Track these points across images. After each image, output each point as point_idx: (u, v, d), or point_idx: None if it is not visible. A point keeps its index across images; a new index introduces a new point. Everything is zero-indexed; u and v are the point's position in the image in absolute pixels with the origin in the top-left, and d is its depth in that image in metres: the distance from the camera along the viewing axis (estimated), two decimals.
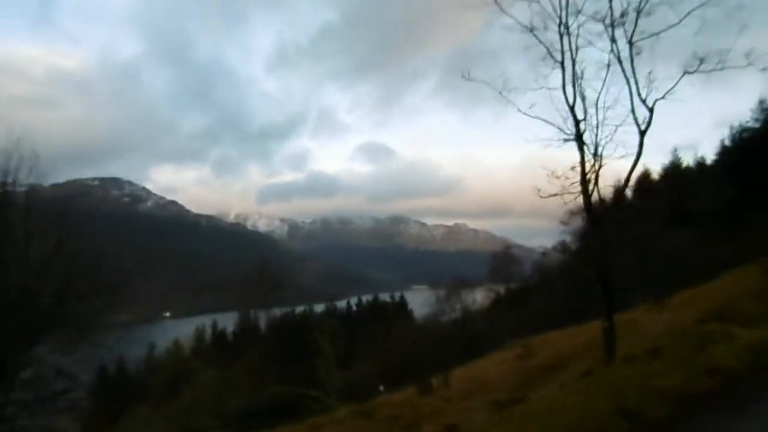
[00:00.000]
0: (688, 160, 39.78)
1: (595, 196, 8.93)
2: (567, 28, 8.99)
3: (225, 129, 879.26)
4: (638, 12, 8.46)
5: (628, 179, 9.36)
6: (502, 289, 55.67)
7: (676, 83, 8.51)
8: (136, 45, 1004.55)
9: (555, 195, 8.97)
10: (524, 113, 9.22)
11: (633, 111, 8.66)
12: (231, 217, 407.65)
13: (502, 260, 53.65)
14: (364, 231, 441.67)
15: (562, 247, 44.75)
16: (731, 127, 34.80)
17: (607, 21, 8.66)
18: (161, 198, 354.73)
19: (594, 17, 8.78)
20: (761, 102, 31.31)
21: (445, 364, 24.67)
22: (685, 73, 8.47)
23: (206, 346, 54.99)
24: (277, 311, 59.97)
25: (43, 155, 13.19)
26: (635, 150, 8.82)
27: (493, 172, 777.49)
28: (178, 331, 59.82)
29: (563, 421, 4.59)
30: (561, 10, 9.02)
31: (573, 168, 8.83)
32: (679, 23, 8.40)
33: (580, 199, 9.19)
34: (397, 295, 79.46)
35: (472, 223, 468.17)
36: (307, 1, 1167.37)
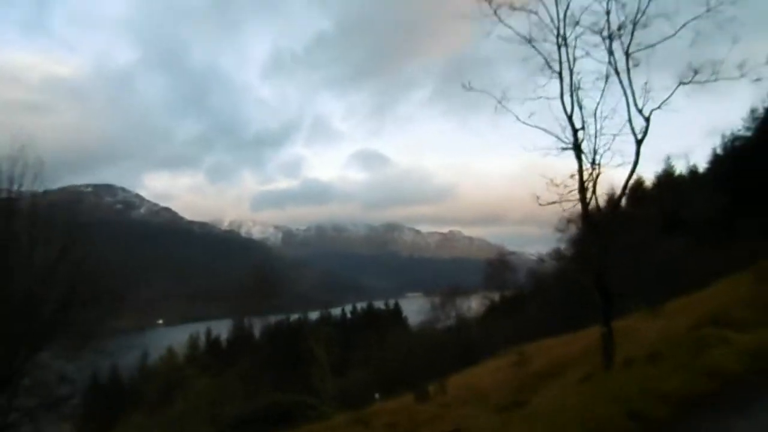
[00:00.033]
0: (680, 168, 40.15)
1: (593, 204, 9.09)
2: (565, 39, 9.20)
3: (219, 136, 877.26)
4: (634, 24, 8.70)
5: (625, 187, 9.53)
6: (496, 296, 55.76)
7: (672, 93, 8.72)
8: (131, 52, 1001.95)
9: (554, 203, 9.12)
10: (523, 122, 9.38)
11: (630, 120, 8.87)
12: (225, 224, 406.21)
13: (497, 268, 53.75)
14: (359, 238, 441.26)
15: (557, 255, 44.95)
16: (723, 136, 35.17)
17: (605, 33, 8.87)
18: (155, 205, 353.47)
19: (591, 29, 8.99)
20: (752, 111, 31.67)
21: (440, 371, 24.70)
22: (681, 83, 8.68)
23: (200, 354, 54.62)
24: (272, 318, 59.76)
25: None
26: (632, 158, 9.02)
27: (488, 179, 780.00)
28: (172, 338, 59.38)
29: (570, 421, 4.68)
30: (559, 21, 9.23)
31: (572, 176, 8.97)
32: (674, 35, 8.63)
33: (578, 207, 9.37)
34: (391, 302, 79.41)
35: (466, 231, 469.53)
36: (301, 9, 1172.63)
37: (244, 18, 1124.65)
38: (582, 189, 8.95)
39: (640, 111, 8.78)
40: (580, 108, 9.12)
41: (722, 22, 8.30)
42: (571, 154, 9.31)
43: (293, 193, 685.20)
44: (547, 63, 9.38)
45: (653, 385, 5.37)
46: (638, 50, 8.75)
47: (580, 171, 9.04)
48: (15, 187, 12.52)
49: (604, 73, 8.98)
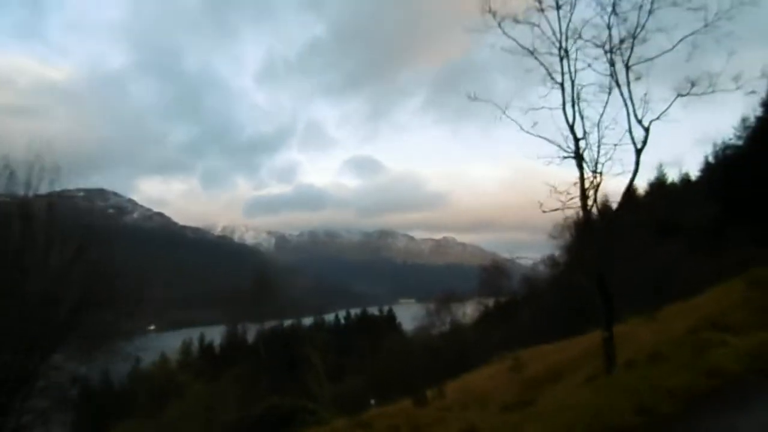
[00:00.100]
0: (673, 176, 40.68)
1: (593, 211, 9.37)
2: (566, 51, 9.51)
3: (213, 141, 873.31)
4: (634, 38, 9.03)
5: (625, 195, 9.82)
6: (490, 302, 55.95)
7: (670, 105, 9.04)
8: (124, 57, 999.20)
9: (557, 210, 9.39)
10: (527, 132, 9.66)
11: (630, 131, 9.15)
12: (218, 230, 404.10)
13: (491, 274, 53.98)
14: (352, 244, 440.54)
15: (551, 261, 45.33)
16: (714, 145, 35.66)
17: (606, 47, 9.19)
18: (147, 210, 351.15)
19: (593, 42, 9.31)
20: (744, 120, 32.14)
21: (436, 377, 24.80)
22: (678, 95, 9.00)
23: (193, 359, 54.44)
24: (265, 324, 59.60)
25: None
26: (631, 167, 9.32)
27: (481, 186, 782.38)
28: (164, 343, 58.96)
29: (582, 416, 4.89)
30: (561, 34, 9.55)
31: (575, 184, 9.25)
32: (672, 49, 8.96)
33: (577, 213, 9.65)
34: (385, 308, 79.50)
35: (460, 237, 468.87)
36: (296, 16, 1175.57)
37: (239, 23, 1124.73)
38: (584, 196, 9.23)
39: (639, 121, 9.09)
40: (582, 118, 9.42)
41: (719, 36, 8.65)
42: (567, 162, 9.62)
43: (287, 199, 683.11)
44: (549, 74, 9.70)
45: (658, 383, 5.62)
46: (638, 63, 9.08)
47: (582, 179, 9.32)
48: (31, 191, 12.70)
49: (606, 84, 9.30)
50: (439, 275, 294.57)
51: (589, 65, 9.44)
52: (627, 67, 9.10)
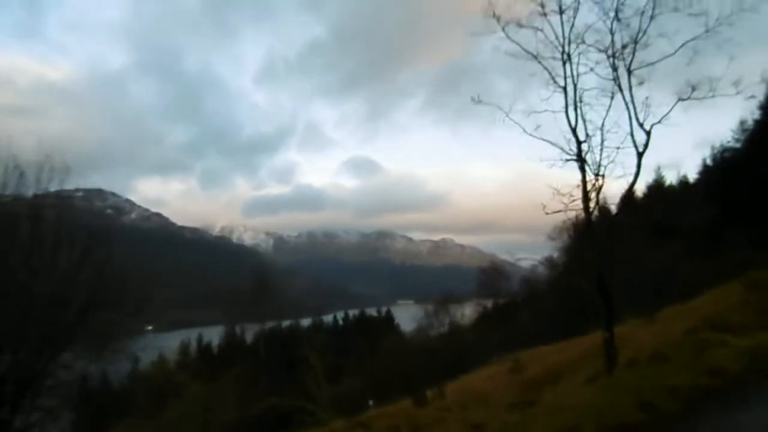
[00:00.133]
0: (671, 178, 40.84)
1: (595, 213, 9.49)
2: (569, 56, 9.63)
3: (211, 141, 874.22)
4: (636, 43, 9.17)
5: (626, 197, 9.95)
6: (489, 304, 56.08)
7: (671, 109, 9.17)
8: (124, 57, 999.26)
9: (560, 211, 9.51)
10: (530, 134, 9.77)
11: (632, 134, 9.26)
12: (216, 230, 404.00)
13: (490, 275, 54.12)
14: (350, 245, 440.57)
15: (550, 263, 45.46)
16: (713, 147, 35.85)
17: (609, 52, 9.32)
18: (146, 210, 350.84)
19: (595, 47, 9.44)
20: (742, 123, 32.31)
21: (434, 378, 24.87)
22: (679, 99, 9.13)
23: (192, 360, 54.37)
24: (264, 325, 59.60)
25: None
26: (632, 170, 9.43)
27: (480, 187, 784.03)
28: (162, 344, 58.88)
29: (586, 413, 5.00)
30: (563, 39, 9.67)
31: (577, 186, 9.38)
32: (673, 54, 9.10)
33: (579, 215, 9.78)
34: (383, 309, 79.55)
35: (458, 238, 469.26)
36: (296, 16, 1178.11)
37: (239, 23, 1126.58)
38: (585, 199, 9.35)
39: (641, 125, 9.21)
40: (584, 121, 9.54)
41: (720, 42, 8.77)
42: (569, 165, 9.74)
43: (285, 200, 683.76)
44: (552, 78, 9.81)
45: (659, 382, 5.75)
46: (640, 67, 9.21)
47: (584, 181, 9.44)
48: (41, 191, 12.78)
49: (608, 88, 9.41)
50: (438, 276, 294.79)
51: (592, 69, 9.57)
52: (629, 72, 9.23)
